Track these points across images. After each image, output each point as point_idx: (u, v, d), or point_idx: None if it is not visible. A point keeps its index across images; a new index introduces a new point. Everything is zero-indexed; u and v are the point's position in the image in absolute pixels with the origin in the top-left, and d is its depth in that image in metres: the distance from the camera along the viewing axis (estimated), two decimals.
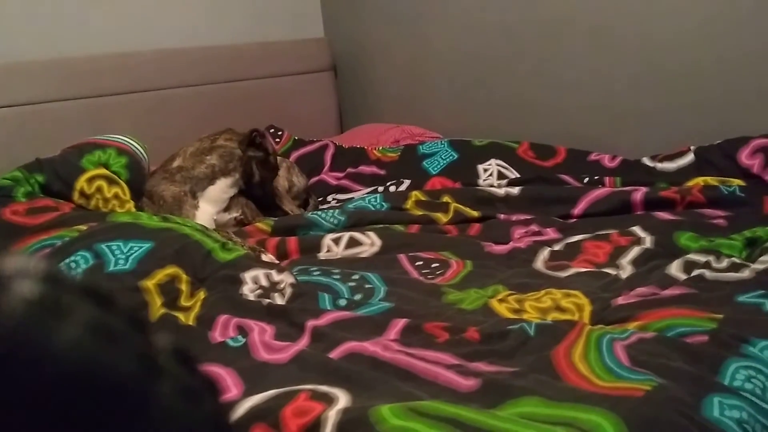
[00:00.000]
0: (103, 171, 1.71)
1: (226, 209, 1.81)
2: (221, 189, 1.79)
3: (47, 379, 0.23)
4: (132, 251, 1.25)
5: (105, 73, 2.15)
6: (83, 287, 0.27)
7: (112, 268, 1.20)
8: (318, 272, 1.31)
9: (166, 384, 0.27)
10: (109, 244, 1.26)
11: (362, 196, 1.86)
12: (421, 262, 1.38)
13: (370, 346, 0.96)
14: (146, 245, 1.26)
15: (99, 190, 1.68)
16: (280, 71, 2.56)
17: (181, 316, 1.17)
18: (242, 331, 1.08)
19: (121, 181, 1.72)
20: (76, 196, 1.67)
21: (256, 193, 1.86)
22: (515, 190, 1.76)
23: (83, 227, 1.36)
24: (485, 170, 1.98)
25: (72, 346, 0.24)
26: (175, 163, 1.81)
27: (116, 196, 1.69)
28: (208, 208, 1.77)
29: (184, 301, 1.20)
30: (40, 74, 2.04)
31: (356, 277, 1.27)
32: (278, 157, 1.93)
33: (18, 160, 1.71)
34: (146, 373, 0.27)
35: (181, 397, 0.28)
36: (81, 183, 1.68)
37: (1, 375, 0.23)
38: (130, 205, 1.69)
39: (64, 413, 0.24)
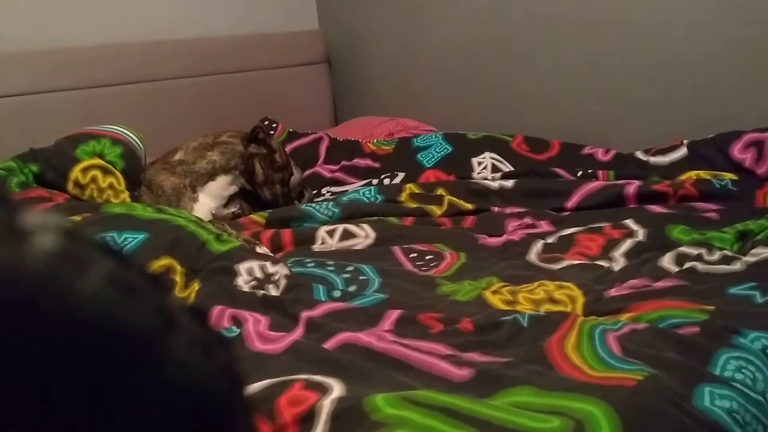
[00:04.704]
0: (97, 161, 1.71)
1: (225, 205, 1.81)
2: (221, 186, 1.79)
3: (67, 327, 0.24)
4: (126, 242, 1.25)
5: (98, 64, 2.14)
6: (102, 244, 0.28)
7: None
8: (312, 264, 1.31)
9: (181, 337, 0.28)
10: (103, 235, 1.26)
11: (357, 189, 1.86)
12: (415, 254, 1.38)
13: (364, 337, 0.96)
14: (140, 236, 1.26)
15: (94, 180, 1.68)
16: (274, 63, 2.55)
17: None
18: (237, 321, 1.09)
19: (116, 171, 1.72)
20: (70, 186, 1.67)
21: (265, 196, 1.83)
22: (509, 183, 1.77)
23: (77, 218, 1.36)
24: (479, 163, 1.98)
25: (92, 297, 0.25)
26: (177, 156, 1.81)
27: (111, 186, 1.68)
28: (208, 202, 1.77)
29: (178, 293, 1.21)
30: (33, 65, 2.03)
31: (350, 268, 1.28)
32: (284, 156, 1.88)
33: (11, 151, 1.71)
34: (162, 326, 0.27)
35: (196, 350, 0.28)
36: (75, 173, 1.67)
37: (22, 320, 0.23)
38: (125, 195, 1.69)
39: (83, 361, 0.24)
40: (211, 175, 1.78)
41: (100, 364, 0.24)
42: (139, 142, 1.84)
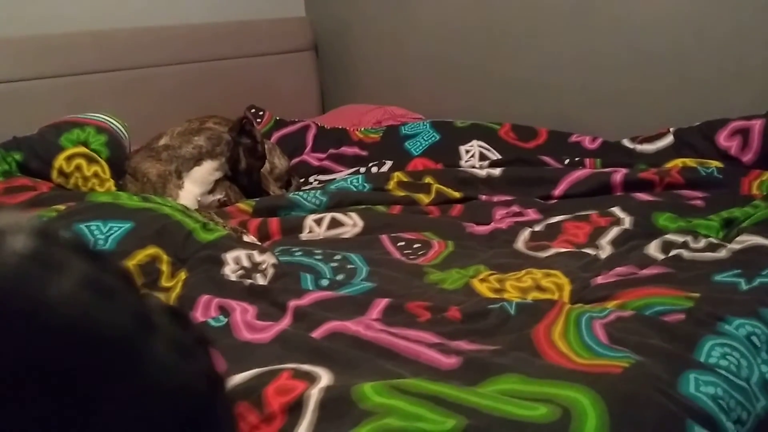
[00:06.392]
0: (82, 149, 1.69)
1: (211, 191, 1.80)
2: (207, 171, 1.77)
3: (41, 331, 0.23)
4: (112, 231, 1.24)
5: (82, 51, 2.12)
6: (76, 245, 0.27)
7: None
8: (300, 253, 1.31)
9: (159, 340, 0.28)
10: (88, 224, 1.25)
11: (344, 177, 1.85)
12: (403, 243, 1.38)
13: (352, 326, 0.96)
14: (126, 225, 1.25)
15: (78, 168, 1.66)
16: (260, 50, 2.53)
17: (162, 296, 1.17)
18: (224, 311, 1.08)
19: (100, 160, 1.70)
20: (54, 174, 1.65)
21: (242, 182, 1.84)
22: (497, 172, 1.77)
23: (61, 207, 1.34)
24: (467, 151, 1.98)
25: (66, 300, 0.24)
26: (162, 142, 1.79)
27: (96, 175, 1.67)
28: (193, 188, 1.75)
29: (165, 282, 1.20)
30: (16, 52, 2.00)
31: (338, 257, 1.28)
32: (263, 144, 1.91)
33: None
34: (140, 328, 0.27)
35: (174, 352, 0.28)
36: (60, 161, 1.66)
37: None
38: (110, 184, 1.67)
39: (58, 365, 0.24)
40: (197, 160, 1.76)
41: (75, 369, 0.24)
42: (124, 131, 1.83)
